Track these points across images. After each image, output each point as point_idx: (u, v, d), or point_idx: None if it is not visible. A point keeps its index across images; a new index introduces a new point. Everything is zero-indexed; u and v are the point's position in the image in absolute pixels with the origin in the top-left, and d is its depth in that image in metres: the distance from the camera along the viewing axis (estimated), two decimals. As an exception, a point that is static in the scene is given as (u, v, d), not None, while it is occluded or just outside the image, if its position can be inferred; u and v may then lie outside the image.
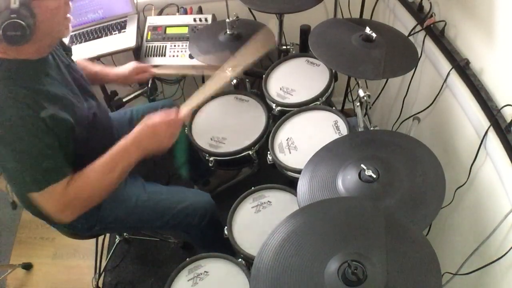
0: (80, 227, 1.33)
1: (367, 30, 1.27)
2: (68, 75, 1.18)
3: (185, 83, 2.16)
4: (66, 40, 1.80)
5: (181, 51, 1.81)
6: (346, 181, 1.05)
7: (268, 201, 1.37)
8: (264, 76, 1.60)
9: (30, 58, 1.05)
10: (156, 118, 1.15)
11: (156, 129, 1.14)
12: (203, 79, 2.17)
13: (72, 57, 1.31)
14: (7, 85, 0.99)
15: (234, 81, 1.70)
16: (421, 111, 1.56)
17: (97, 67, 1.52)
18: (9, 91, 0.98)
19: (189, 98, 1.29)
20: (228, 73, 1.36)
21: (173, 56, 1.81)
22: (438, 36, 1.39)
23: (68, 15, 1.08)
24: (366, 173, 1.01)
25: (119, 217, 1.35)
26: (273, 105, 1.51)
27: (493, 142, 1.13)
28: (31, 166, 1.01)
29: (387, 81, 1.90)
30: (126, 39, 1.80)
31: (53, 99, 1.06)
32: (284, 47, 1.84)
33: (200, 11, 1.96)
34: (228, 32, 1.60)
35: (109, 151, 1.13)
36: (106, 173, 1.11)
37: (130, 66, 1.55)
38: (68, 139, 1.10)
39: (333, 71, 1.51)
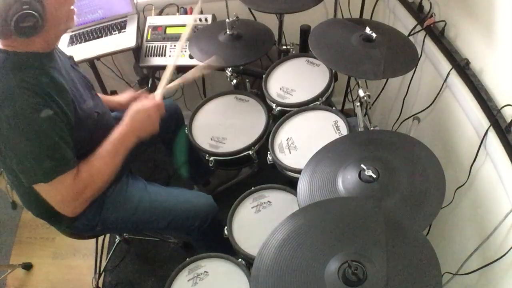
0: (82, 227, 1.33)
1: (367, 30, 1.27)
2: (72, 74, 1.19)
3: (185, 83, 2.16)
4: (66, 40, 1.82)
5: (181, 51, 1.81)
6: (346, 181, 1.05)
7: (268, 201, 1.37)
8: (264, 76, 1.60)
9: (38, 51, 1.07)
10: (145, 103, 1.24)
11: (149, 113, 1.23)
12: (203, 82, 2.17)
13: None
14: (16, 75, 1.01)
15: (234, 81, 1.71)
16: (421, 111, 1.56)
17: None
18: (19, 80, 1.00)
19: (158, 83, 1.38)
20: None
21: (173, 56, 1.80)
22: (438, 36, 1.39)
23: (72, 7, 1.10)
24: (366, 173, 1.01)
25: (121, 218, 1.35)
26: (273, 105, 1.52)
27: (493, 142, 1.13)
28: (41, 156, 1.02)
29: (387, 81, 1.90)
30: (126, 39, 1.80)
31: (61, 91, 1.07)
32: (284, 47, 1.84)
33: (200, 11, 1.95)
34: (228, 32, 1.60)
35: (108, 139, 1.18)
36: (110, 161, 1.16)
37: (127, 94, 1.56)
38: (70, 135, 1.11)
39: (333, 71, 1.51)
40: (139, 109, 1.22)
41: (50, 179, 1.04)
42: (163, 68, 1.93)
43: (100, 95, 1.43)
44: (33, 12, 0.96)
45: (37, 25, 0.98)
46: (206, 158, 1.49)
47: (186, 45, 1.70)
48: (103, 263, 1.91)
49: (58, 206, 1.11)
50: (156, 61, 1.81)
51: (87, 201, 1.15)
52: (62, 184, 1.07)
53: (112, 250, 1.95)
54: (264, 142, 1.48)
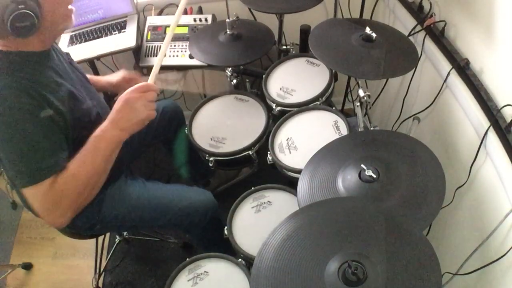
0: (81, 225, 1.32)
1: (367, 30, 1.27)
2: (70, 72, 1.19)
3: (185, 83, 2.16)
4: (66, 40, 1.82)
5: (181, 51, 1.81)
6: (346, 181, 1.05)
7: (268, 201, 1.37)
8: (264, 76, 1.60)
9: (34, 50, 1.06)
10: (126, 93, 1.09)
11: (129, 102, 1.07)
12: (203, 80, 2.17)
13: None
14: (10, 76, 0.99)
15: (234, 81, 1.71)
16: (421, 111, 1.56)
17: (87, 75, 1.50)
18: (12, 80, 0.99)
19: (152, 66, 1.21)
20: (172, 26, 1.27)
21: (173, 56, 1.80)
22: (438, 36, 1.39)
23: (70, 6, 1.08)
24: (366, 173, 1.01)
25: (120, 215, 1.34)
26: (273, 105, 1.52)
27: (493, 142, 1.13)
28: (25, 158, 0.99)
29: (387, 81, 1.90)
30: (126, 39, 1.79)
31: (56, 92, 1.06)
32: (284, 47, 1.84)
33: (200, 11, 1.96)
34: (228, 32, 1.60)
35: (88, 139, 1.07)
36: (87, 161, 1.05)
37: (119, 74, 1.49)
38: (67, 136, 1.09)
39: (333, 71, 1.51)
40: (122, 99, 1.08)
41: (26, 185, 0.99)
42: (163, 68, 1.93)
43: (89, 76, 1.39)
44: (29, 12, 0.95)
45: (34, 25, 0.97)
46: (206, 158, 1.49)
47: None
48: (103, 263, 1.90)
49: (40, 215, 1.04)
50: (156, 61, 1.81)
51: (70, 208, 1.05)
52: (40, 192, 1.00)
53: (112, 250, 1.95)
54: (264, 142, 1.48)
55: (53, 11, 1.03)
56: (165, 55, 1.23)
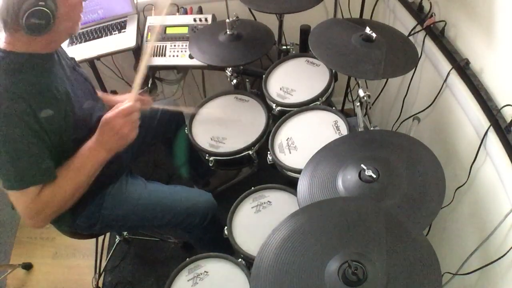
0: (81, 225, 1.33)
1: (367, 30, 1.27)
2: (71, 76, 1.19)
3: (185, 83, 2.17)
4: (66, 40, 1.82)
5: (181, 51, 1.81)
6: (346, 181, 1.05)
7: (268, 201, 1.37)
8: (264, 76, 1.60)
9: (38, 52, 1.06)
10: (109, 113, 1.12)
11: (112, 124, 1.11)
12: (203, 82, 2.17)
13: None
14: (9, 78, 1.00)
15: (234, 81, 1.71)
16: (421, 111, 1.56)
17: (99, 93, 1.49)
18: (10, 83, 0.99)
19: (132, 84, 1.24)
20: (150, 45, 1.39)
21: (173, 56, 1.80)
22: (438, 36, 1.39)
23: (80, 14, 1.11)
24: (366, 173, 1.01)
25: (120, 215, 1.35)
26: (273, 105, 1.52)
27: (493, 142, 1.13)
28: (15, 162, 1.01)
29: (387, 81, 1.90)
30: (126, 39, 1.80)
31: (54, 96, 1.06)
32: (284, 47, 1.84)
33: (200, 11, 1.96)
34: (228, 32, 1.60)
35: (75, 154, 1.12)
36: (73, 177, 1.11)
37: (126, 96, 1.51)
38: (63, 140, 1.10)
39: (333, 71, 1.51)
40: (105, 121, 1.11)
41: (13, 188, 1.03)
42: (163, 68, 1.94)
43: (100, 93, 1.41)
44: (47, 10, 0.96)
45: (48, 25, 0.98)
46: (206, 158, 1.49)
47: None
48: (103, 263, 1.91)
49: (22, 217, 1.09)
50: (156, 61, 1.81)
51: (51, 216, 1.11)
52: (25, 198, 1.05)
53: (112, 250, 1.96)
54: (264, 142, 1.48)
55: (66, 16, 1.04)
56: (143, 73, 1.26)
